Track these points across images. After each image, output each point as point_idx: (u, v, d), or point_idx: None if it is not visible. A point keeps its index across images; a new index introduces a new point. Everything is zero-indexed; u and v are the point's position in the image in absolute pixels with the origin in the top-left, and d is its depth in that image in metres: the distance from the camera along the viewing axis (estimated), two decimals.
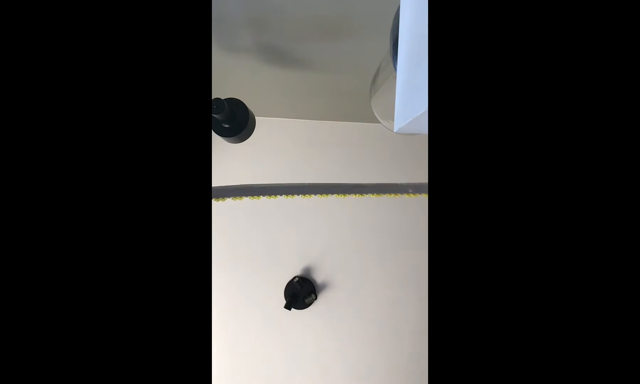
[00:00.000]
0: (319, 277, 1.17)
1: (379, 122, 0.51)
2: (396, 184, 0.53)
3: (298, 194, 0.50)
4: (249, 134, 0.74)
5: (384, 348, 1.17)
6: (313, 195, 0.50)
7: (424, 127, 0.25)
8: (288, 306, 1.08)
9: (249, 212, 1.16)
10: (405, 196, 0.54)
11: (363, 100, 0.58)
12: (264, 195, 0.48)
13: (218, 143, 0.86)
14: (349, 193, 0.51)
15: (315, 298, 1.14)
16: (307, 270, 1.17)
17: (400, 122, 0.26)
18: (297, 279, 1.13)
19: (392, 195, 0.53)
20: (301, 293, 1.13)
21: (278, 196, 0.49)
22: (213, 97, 0.64)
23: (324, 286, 1.17)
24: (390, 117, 0.42)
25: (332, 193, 0.51)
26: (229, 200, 0.47)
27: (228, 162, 1.14)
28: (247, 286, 1.15)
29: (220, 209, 1.12)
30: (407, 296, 1.18)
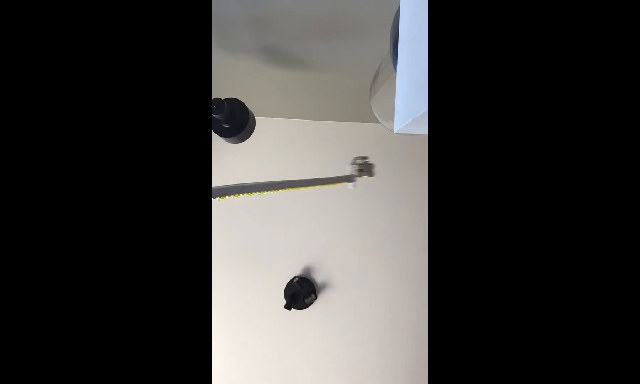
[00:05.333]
0: (319, 278, 1.17)
1: (379, 122, 0.51)
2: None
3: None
4: (249, 134, 0.74)
5: (384, 348, 1.17)
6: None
7: (424, 128, 0.25)
8: (288, 306, 1.08)
9: (249, 212, 1.16)
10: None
11: (363, 100, 0.58)
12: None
13: (218, 143, 0.86)
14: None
15: (315, 298, 1.14)
16: (307, 270, 1.17)
17: (400, 122, 0.26)
18: (297, 279, 1.13)
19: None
20: (301, 292, 1.13)
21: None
22: (213, 97, 0.64)
23: (324, 286, 1.17)
24: (390, 117, 0.42)
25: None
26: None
27: (228, 162, 1.14)
28: (247, 286, 1.15)
29: (220, 208, 1.12)
30: (406, 296, 1.18)
